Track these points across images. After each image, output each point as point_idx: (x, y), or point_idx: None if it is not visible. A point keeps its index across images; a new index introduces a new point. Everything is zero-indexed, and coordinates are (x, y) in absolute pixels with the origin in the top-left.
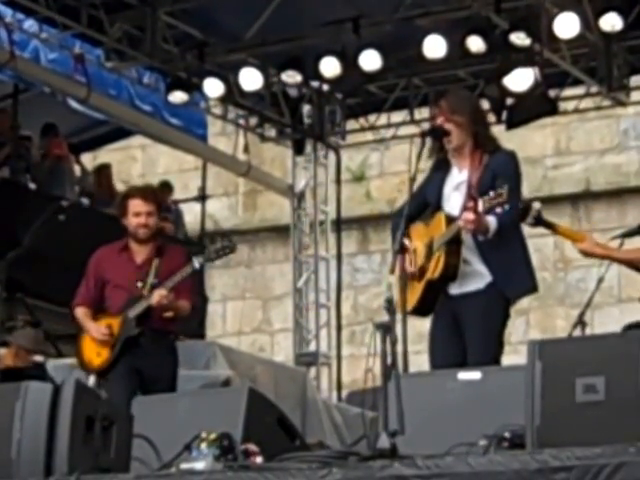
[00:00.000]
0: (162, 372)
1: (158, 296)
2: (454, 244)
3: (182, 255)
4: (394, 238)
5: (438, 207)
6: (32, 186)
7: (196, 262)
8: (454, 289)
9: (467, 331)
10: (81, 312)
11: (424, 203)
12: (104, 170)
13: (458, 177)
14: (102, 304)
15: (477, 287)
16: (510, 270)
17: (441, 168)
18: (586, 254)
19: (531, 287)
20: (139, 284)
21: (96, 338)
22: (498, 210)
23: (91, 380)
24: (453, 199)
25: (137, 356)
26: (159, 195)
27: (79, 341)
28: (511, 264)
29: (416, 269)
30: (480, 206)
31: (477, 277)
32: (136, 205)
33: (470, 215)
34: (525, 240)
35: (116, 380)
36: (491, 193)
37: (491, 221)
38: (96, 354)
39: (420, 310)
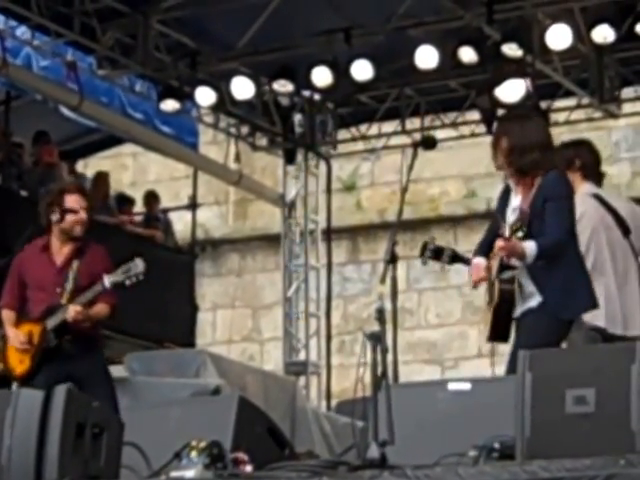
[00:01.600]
0: (90, 369)
1: (73, 312)
2: (505, 270)
3: (102, 256)
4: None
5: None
6: (23, 193)
7: (106, 281)
8: (515, 313)
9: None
10: (5, 315)
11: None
12: (102, 177)
13: (515, 201)
14: (24, 306)
15: (530, 306)
16: (562, 291)
17: (507, 190)
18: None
19: (590, 305)
20: (58, 289)
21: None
22: (519, 234)
23: (14, 388)
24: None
25: (61, 363)
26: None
27: (4, 346)
28: (562, 285)
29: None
30: (506, 233)
31: (532, 298)
32: (75, 201)
33: (500, 242)
34: (581, 258)
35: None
36: (515, 220)
37: (529, 246)
38: (19, 361)
39: (496, 336)
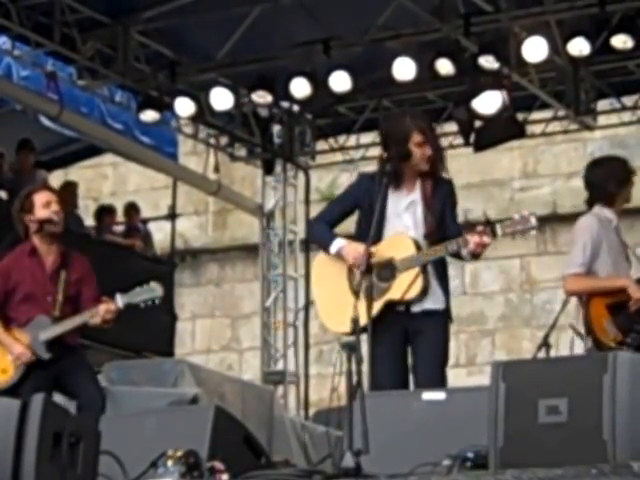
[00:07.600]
0: (72, 362)
1: (104, 312)
2: (426, 265)
3: (88, 267)
4: (318, 242)
5: (380, 222)
6: (4, 200)
7: (120, 301)
8: (416, 307)
9: (423, 348)
10: None
11: (351, 209)
12: (69, 187)
13: (408, 197)
14: (5, 312)
15: (437, 307)
16: (449, 293)
17: (387, 181)
18: None
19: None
20: (49, 299)
21: (6, 355)
22: (517, 236)
23: None
24: (405, 218)
25: (48, 368)
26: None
27: None
28: (448, 287)
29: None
30: (499, 231)
31: (436, 296)
32: (44, 195)
33: (487, 239)
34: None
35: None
36: (516, 216)
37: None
38: (1, 370)
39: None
